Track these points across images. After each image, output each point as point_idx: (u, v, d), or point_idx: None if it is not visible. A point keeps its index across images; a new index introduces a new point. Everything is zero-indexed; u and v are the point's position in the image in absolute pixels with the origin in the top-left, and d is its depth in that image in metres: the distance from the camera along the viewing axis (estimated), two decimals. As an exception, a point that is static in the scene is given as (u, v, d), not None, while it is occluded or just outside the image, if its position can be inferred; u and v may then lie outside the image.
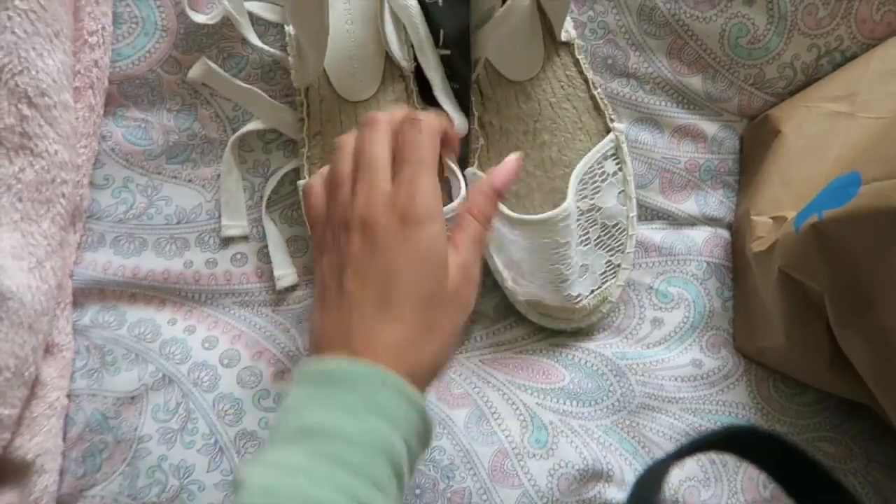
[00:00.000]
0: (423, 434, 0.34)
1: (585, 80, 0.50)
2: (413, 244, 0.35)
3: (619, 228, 0.51)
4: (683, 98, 0.54)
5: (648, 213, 0.55)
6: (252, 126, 0.51)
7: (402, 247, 0.35)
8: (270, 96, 0.52)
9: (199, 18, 0.49)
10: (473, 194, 0.40)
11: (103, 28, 0.50)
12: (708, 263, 0.54)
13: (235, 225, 0.52)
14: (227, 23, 0.50)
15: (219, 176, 0.53)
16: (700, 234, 0.55)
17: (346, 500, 0.30)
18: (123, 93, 0.52)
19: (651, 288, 0.54)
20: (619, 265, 0.52)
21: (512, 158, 0.41)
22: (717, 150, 0.55)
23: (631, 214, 0.51)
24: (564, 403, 0.51)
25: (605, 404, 0.51)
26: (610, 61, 0.53)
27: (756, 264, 0.49)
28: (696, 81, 0.53)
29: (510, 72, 0.50)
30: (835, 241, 0.41)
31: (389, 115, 0.38)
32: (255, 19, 0.50)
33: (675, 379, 0.52)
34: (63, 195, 0.49)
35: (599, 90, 0.50)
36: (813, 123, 0.50)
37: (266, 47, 0.50)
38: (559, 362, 0.52)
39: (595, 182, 0.50)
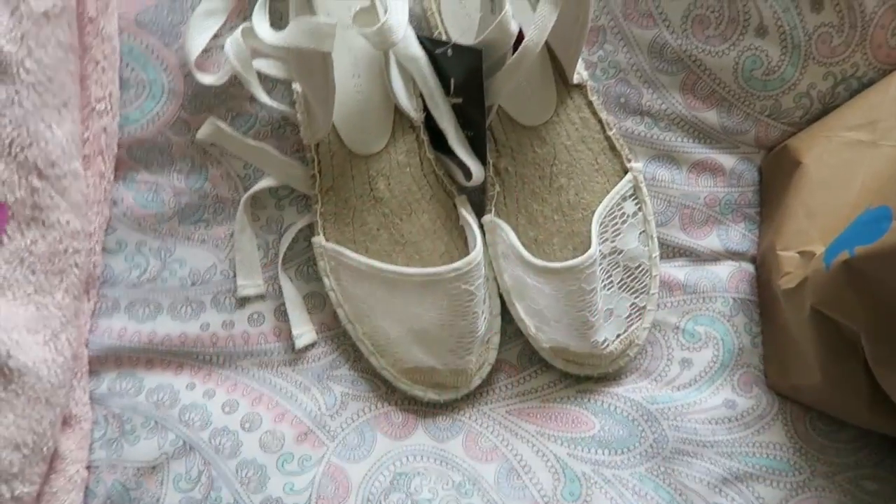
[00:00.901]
0: None
1: (600, 122, 0.49)
2: None
3: (642, 270, 0.50)
4: (699, 133, 0.53)
5: (670, 251, 0.53)
6: (264, 184, 0.51)
7: None
8: (281, 152, 0.51)
9: (206, 80, 0.49)
10: None
11: (111, 94, 0.50)
12: (734, 299, 0.53)
13: (251, 284, 0.51)
14: (234, 82, 0.50)
15: (232, 235, 0.52)
16: (724, 270, 0.53)
17: None
18: (133, 157, 0.51)
19: (678, 328, 0.52)
20: (644, 307, 0.50)
21: None
22: (737, 182, 0.54)
23: (653, 255, 0.50)
24: (596, 453, 0.49)
25: (638, 451, 0.49)
26: (623, 100, 0.52)
27: (786, 301, 0.48)
28: (711, 115, 0.52)
29: (523, 117, 0.49)
30: (869, 278, 0.40)
31: None
32: (261, 77, 0.50)
33: (709, 421, 0.50)
34: (76, 264, 0.48)
35: (614, 130, 0.49)
36: (834, 153, 0.49)
37: (275, 104, 0.49)
38: (588, 409, 0.51)
39: (616, 224, 0.49)
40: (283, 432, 0.50)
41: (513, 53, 0.44)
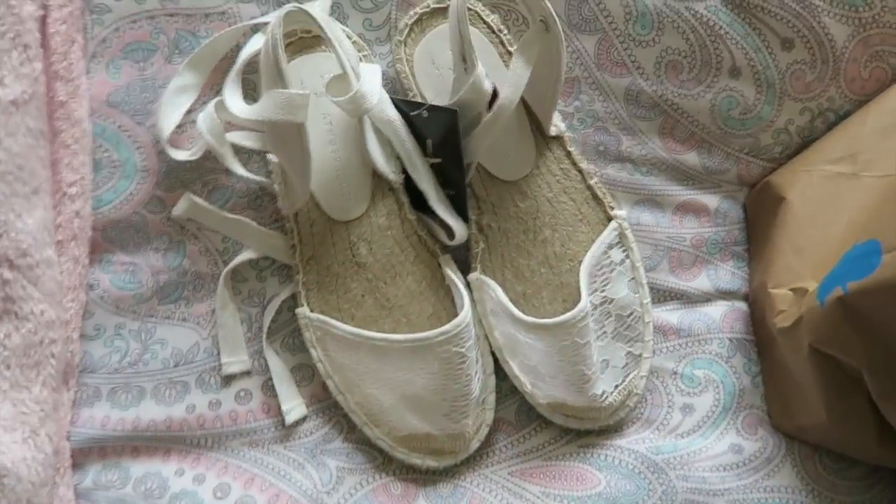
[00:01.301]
0: None
1: (580, 171, 0.49)
2: None
3: (635, 317, 0.49)
4: (681, 175, 0.53)
5: (661, 295, 0.53)
6: (244, 257, 0.49)
7: None
8: (259, 223, 0.50)
9: (181, 156, 0.48)
10: None
11: (82, 178, 0.48)
12: (730, 339, 0.52)
13: (236, 361, 0.50)
14: (209, 156, 0.49)
15: (213, 311, 0.50)
16: (717, 310, 0.53)
17: None
18: (108, 238, 0.50)
19: (676, 373, 0.51)
20: (639, 355, 0.49)
21: None
22: (722, 221, 0.53)
23: (644, 301, 0.50)
24: (604, 510, 0.48)
25: (648, 505, 0.48)
26: (602, 148, 0.52)
27: (783, 340, 0.47)
28: (691, 157, 0.52)
29: (503, 172, 0.48)
30: (864, 313, 0.40)
31: None
32: (236, 148, 0.49)
33: (717, 469, 0.49)
34: (53, 355, 0.46)
35: (596, 179, 0.49)
36: (817, 188, 0.49)
37: (252, 175, 0.48)
38: (592, 465, 0.49)
39: (604, 273, 0.48)
40: (279, 513, 0.48)
41: (488, 110, 0.44)
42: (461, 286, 0.47)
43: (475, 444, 0.49)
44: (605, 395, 0.48)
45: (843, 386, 0.44)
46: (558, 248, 0.48)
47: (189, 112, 0.49)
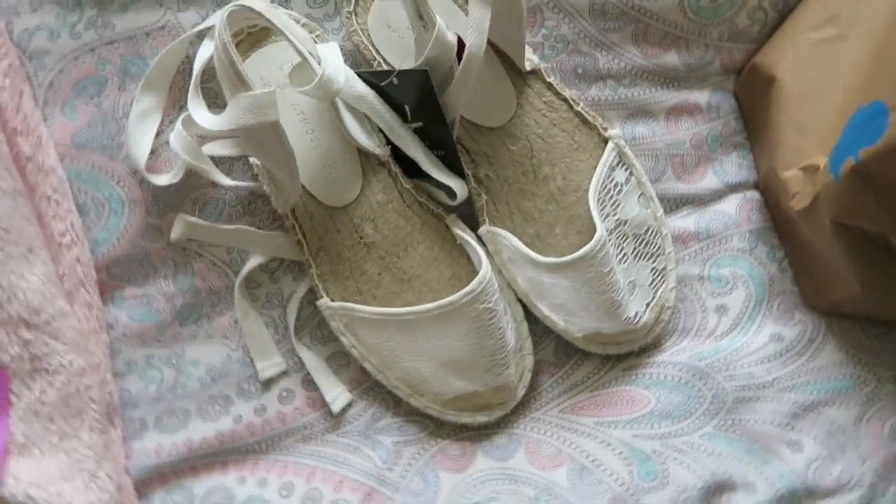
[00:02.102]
0: None
1: (565, 100, 0.48)
2: None
3: (652, 232, 0.49)
4: (665, 78, 0.51)
5: (673, 203, 0.52)
6: (252, 263, 0.49)
7: None
8: (258, 227, 0.49)
9: (162, 181, 0.47)
10: None
11: (72, 224, 0.48)
12: (749, 232, 0.51)
13: (270, 365, 0.50)
14: (192, 173, 0.48)
15: (236, 322, 0.50)
16: (731, 205, 0.52)
17: None
18: (114, 276, 0.50)
19: (703, 277, 0.51)
20: (664, 268, 0.49)
21: None
22: (716, 115, 0.52)
23: (658, 214, 0.49)
24: (660, 426, 0.48)
25: (701, 412, 0.48)
26: (580, 70, 0.50)
27: (803, 221, 0.47)
28: (671, 58, 0.51)
29: (488, 120, 0.47)
30: (881, 178, 0.39)
31: None
32: (217, 160, 0.48)
33: (762, 361, 0.49)
34: (92, 399, 0.47)
35: (582, 105, 0.48)
36: (805, 59, 0.48)
37: (239, 183, 0.48)
38: (640, 385, 0.49)
39: (612, 196, 0.47)
40: (347, 499, 0.49)
41: (458, 63, 0.42)
42: (474, 242, 0.47)
43: (521, 391, 0.49)
44: (638, 317, 0.47)
45: (871, 254, 0.43)
46: (560, 181, 0.47)
47: (158, 135, 0.48)
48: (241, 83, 0.38)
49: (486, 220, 0.48)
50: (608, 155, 0.47)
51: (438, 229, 0.48)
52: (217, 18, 0.40)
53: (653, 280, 0.49)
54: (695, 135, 0.52)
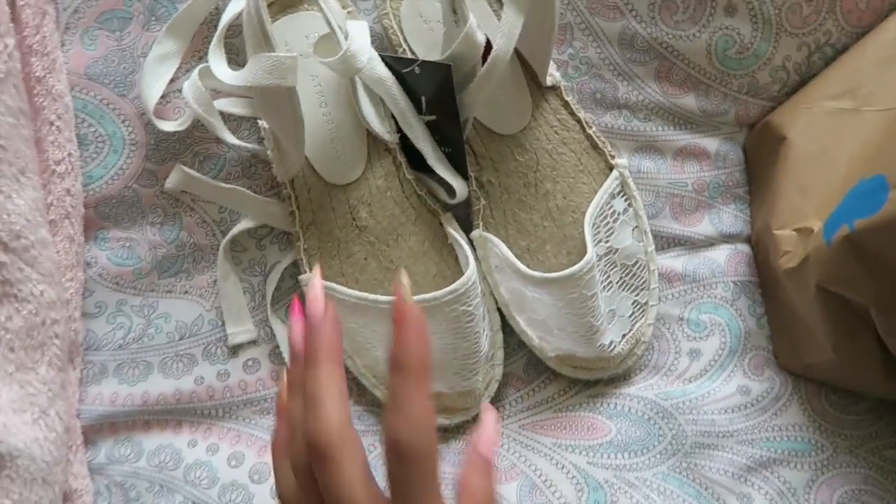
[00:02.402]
0: None
1: (578, 121, 0.48)
2: None
3: (640, 266, 0.49)
4: (679, 119, 0.52)
5: (665, 242, 0.52)
6: (242, 226, 0.49)
7: None
8: (254, 191, 0.49)
9: (168, 127, 0.47)
10: (466, 473, 0.32)
11: (69, 154, 0.47)
12: (735, 283, 0.52)
13: (242, 331, 0.50)
14: (198, 125, 0.48)
15: (215, 282, 0.50)
16: (721, 254, 0.53)
17: None
18: (101, 215, 0.49)
19: (682, 319, 0.51)
20: (646, 303, 0.49)
21: (488, 415, 0.34)
22: (722, 164, 0.53)
23: (649, 249, 0.49)
24: (616, 457, 0.48)
25: (658, 450, 0.48)
26: (599, 95, 0.51)
27: (789, 280, 0.47)
28: (689, 100, 0.51)
29: (501, 126, 0.47)
30: (872, 251, 0.39)
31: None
32: (226, 116, 0.48)
33: (725, 411, 0.49)
34: (56, 335, 0.46)
35: (594, 129, 0.48)
36: (818, 125, 0.48)
37: (243, 143, 0.47)
38: (602, 414, 0.50)
39: (608, 223, 0.48)
40: (294, 478, 0.48)
41: (482, 64, 0.42)
42: (464, 244, 0.47)
43: (486, 400, 0.49)
44: (612, 345, 0.48)
45: (850, 323, 0.44)
46: (560, 200, 0.48)
47: (172, 81, 0.48)
48: (266, 42, 0.38)
49: (481, 224, 0.48)
50: (611, 182, 0.48)
51: (432, 225, 0.48)
52: None
53: (633, 312, 0.49)
54: (698, 179, 0.52)
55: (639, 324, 0.49)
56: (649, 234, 0.49)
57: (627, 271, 0.49)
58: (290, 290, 0.50)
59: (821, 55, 0.51)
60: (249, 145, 0.48)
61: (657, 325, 0.51)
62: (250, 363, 0.50)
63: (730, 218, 0.53)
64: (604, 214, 0.48)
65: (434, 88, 0.44)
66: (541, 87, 0.47)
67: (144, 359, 0.50)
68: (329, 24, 0.41)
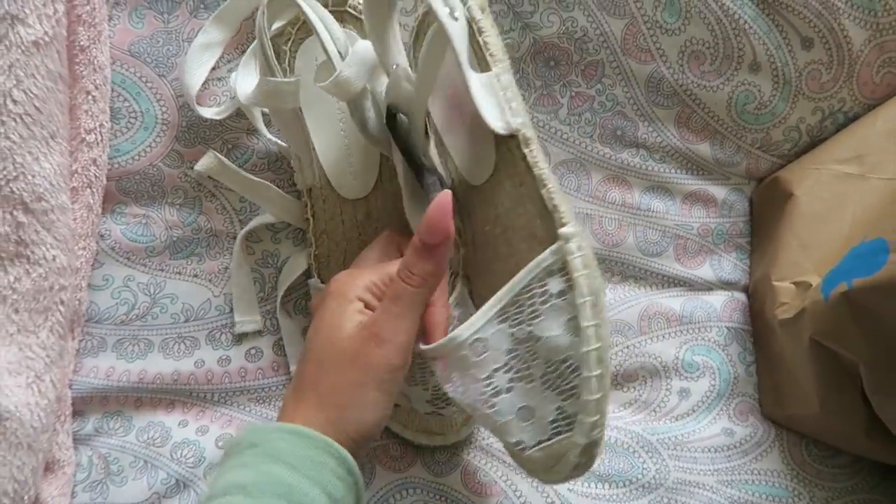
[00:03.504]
0: (345, 474, 0.35)
1: (534, 178, 0.38)
2: (328, 312, 0.38)
3: (570, 367, 0.35)
4: (693, 164, 0.54)
5: (665, 281, 0.54)
6: (262, 220, 0.49)
7: (322, 317, 0.39)
8: (278, 185, 0.50)
9: (208, 114, 0.48)
10: (405, 255, 0.38)
11: (101, 125, 0.48)
12: (728, 329, 0.54)
13: (249, 320, 0.50)
14: (231, 115, 0.49)
15: (226, 269, 0.50)
16: (718, 299, 0.54)
17: None
18: (122, 189, 0.50)
19: (676, 358, 0.53)
20: (574, 415, 0.35)
21: (441, 197, 0.36)
22: (729, 213, 0.55)
23: (588, 349, 0.34)
24: (597, 487, 0.49)
25: (640, 483, 0.49)
26: (619, 132, 0.52)
27: (782, 331, 0.49)
28: (704, 148, 0.53)
29: (470, 175, 0.43)
30: (868, 309, 0.41)
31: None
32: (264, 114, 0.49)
33: (708, 450, 0.51)
34: (62, 302, 0.46)
35: (551, 185, 0.37)
36: (825, 186, 0.50)
37: (275, 139, 0.48)
38: (590, 441, 0.50)
39: (533, 304, 0.36)
40: (281, 471, 0.49)
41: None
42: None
43: (466, 432, 0.49)
44: (521, 446, 0.37)
45: (838, 379, 0.45)
46: (513, 266, 0.37)
47: (213, 69, 0.49)
48: (268, 67, 0.40)
49: (461, 272, 0.46)
50: (546, 256, 0.36)
51: None
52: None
53: (555, 420, 0.36)
54: (704, 224, 0.54)
55: (563, 437, 0.36)
56: (591, 331, 0.34)
57: (553, 368, 0.36)
58: (300, 286, 0.51)
59: (833, 120, 0.53)
60: (282, 142, 0.48)
61: (652, 360, 0.52)
62: (253, 352, 0.50)
63: (730, 265, 0.55)
64: (532, 292, 0.36)
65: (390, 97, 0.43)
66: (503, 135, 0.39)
67: (146, 337, 0.50)
68: (324, 48, 0.40)
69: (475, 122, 0.41)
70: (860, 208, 0.48)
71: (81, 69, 0.46)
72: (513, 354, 0.37)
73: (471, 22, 0.40)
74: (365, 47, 0.41)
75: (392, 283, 0.38)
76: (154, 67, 0.48)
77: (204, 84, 0.48)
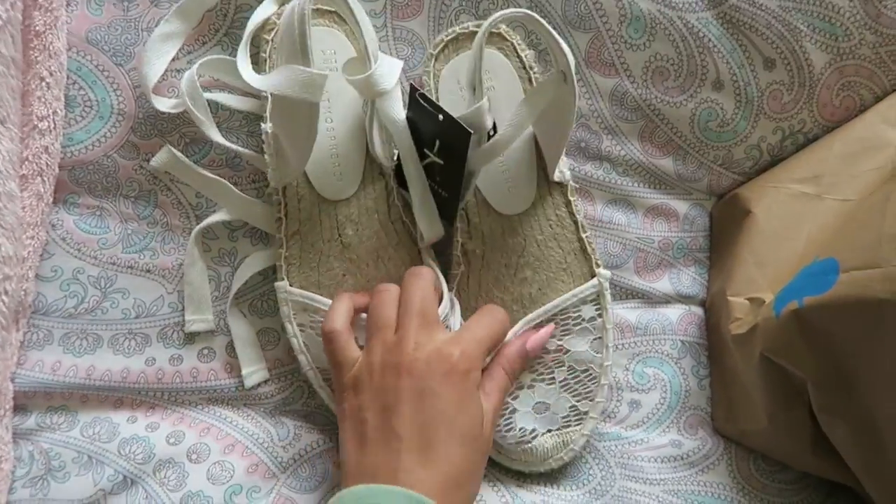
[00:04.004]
0: None
1: (575, 223, 0.49)
2: (456, 391, 0.39)
3: (590, 376, 0.49)
4: (655, 179, 0.54)
5: (623, 293, 0.54)
6: (218, 217, 0.48)
7: (447, 393, 0.39)
8: (236, 181, 0.49)
9: (163, 105, 0.47)
10: (507, 351, 0.45)
11: (54, 112, 0.46)
12: (683, 342, 0.54)
13: (200, 319, 0.49)
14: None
15: (181, 265, 0.49)
16: (674, 313, 0.55)
17: None
18: (75, 179, 0.48)
19: (627, 369, 0.53)
20: (585, 413, 0.49)
21: (548, 329, 0.47)
22: (689, 228, 0.55)
23: (605, 363, 0.49)
24: (546, 486, 0.49)
25: (587, 489, 0.50)
26: (583, 144, 0.53)
27: (735, 346, 0.49)
28: (667, 163, 0.54)
29: (500, 205, 0.49)
30: (816, 327, 0.42)
31: (431, 271, 0.45)
32: (220, 107, 0.48)
33: (655, 460, 0.51)
34: (6, 292, 0.45)
35: (589, 233, 0.49)
36: (782, 204, 0.51)
37: (231, 145, 0.47)
38: (542, 450, 0.51)
39: (567, 324, 0.48)
40: (233, 463, 0.48)
41: (487, 140, 0.43)
42: (440, 276, 0.47)
43: None
44: (534, 434, 0.48)
45: (787, 396, 0.46)
46: (535, 290, 0.48)
47: (174, 59, 0.48)
48: (303, 56, 0.38)
49: (455, 289, 0.49)
50: (587, 288, 0.48)
51: (411, 253, 0.48)
52: None
53: (568, 415, 0.49)
54: (664, 238, 0.55)
55: (571, 428, 0.49)
56: (610, 350, 0.49)
57: (574, 375, 0.48)
58: (257, 285, 0.50)
59: (793, 141, 0.54)
60: (236, 147, 0.48)
61: (607, 374, 0.53)
62: (206, 352, 0.49)
63: (688, 279, 0.55)
64: (567, 315, 0.48)
65: (451, 141, 0.44)
66: (549, 180, 0.49)
67: (95, 332, 0.49)
68: (364, 44, 0.42)
69: (526, 162, 0.49)
70: (815, 227, 0.49)
71: (36, 54, 0.45)
72: (539, 361, 0.48)
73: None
74: (394, 61, 0.42)
75: (499, 373, 0.44)
76: (112, 56, 0.47)
77: (163, 75, 0.47)
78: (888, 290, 0.37)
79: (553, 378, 0.48)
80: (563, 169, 0.49)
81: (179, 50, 0.48)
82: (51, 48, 0.45)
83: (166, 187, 0.49)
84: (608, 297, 0.49)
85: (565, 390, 0.48)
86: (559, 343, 0.48)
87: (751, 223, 0.52)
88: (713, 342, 0.54)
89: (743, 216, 0.52)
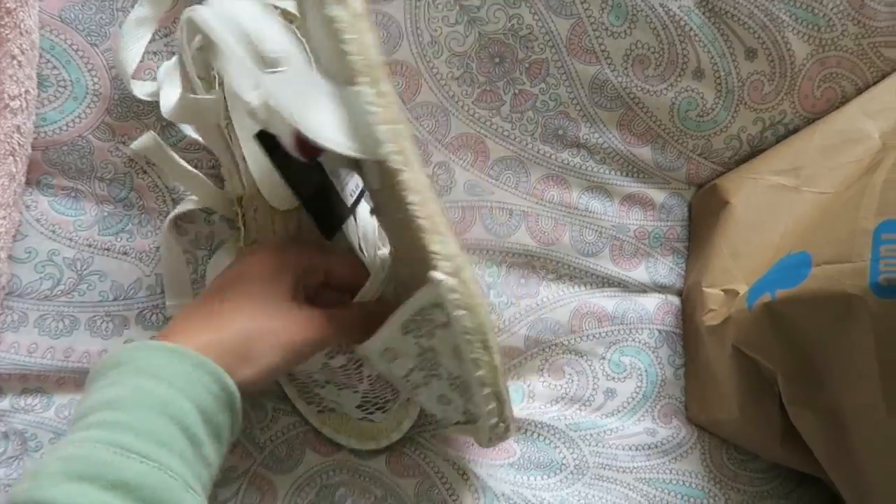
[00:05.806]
0: (223, 395, 0.34)
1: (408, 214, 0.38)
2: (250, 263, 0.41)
3: (464, 381, 0.40)
4: (633, 167, 0.54)
5: (600, 281, 0.54)
6: (191, 206, 0.48)
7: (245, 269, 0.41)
8: (213, 166, 0.49)
9: (140, 93, 0.46)
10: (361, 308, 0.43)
11: (27, 91, 0.46)
12: (660, 332, 0.54)
13: (181, 304, 0.49)
14: (166, 90, 0.47)
15: (158, 249, 0.49)
16: (651, 302, 0.55)
17: (113, 451, 0.30)
18: (48, 160, 0.48)
19: (604, 358, 0.53)
20: (476, 414, 0.42)
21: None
22: (666, 217, 0.55)
23: (476, 373, 0.38)
24: (516, 476, 0.50)
25: (559, 478, 0.50)
26: (561, 132, 0.52)
27: (709, 337, 0.50)
28: (645, 151, 0.54)
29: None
30: (787, 320, 0.42)
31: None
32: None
33: (629, 448, 0.51)
34: (-21, 274, 0.45)
35: (424, 222, 0.36)
36: (760, 196, 0.51)
37: (192, 169, 0.47)
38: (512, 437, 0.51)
39: (429, 325, 0.38)
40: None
41: None
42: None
43: (396, 436, 0.49)
44: (444, 422, 0.45)
45: (757, 387, 0.46)
46: (417, 284, 0.38)
47: (150, 41, 0.47)
48: (189, 84, 0.39)
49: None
50: (423, 293, 0.36)
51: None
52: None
53: (466, 411, 0.42)
54: (641, 227, 0.55)
55: (472, 424, 0.43)
56: (473, 365, 0.38)
57: (452, 379, 0.41)
58: (231, 268, 0.50)
59: (773, 132, 0.54)
60: (194, 171, 0.47)
61: (579, 360, 0.53)
62: (180, 334, 0.49)
63: (665, 269, 0.55)
64: (424, 316, 0.38)
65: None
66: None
67: (71, 314, 0.49)
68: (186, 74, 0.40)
69: None
70: (791, 220, 0.48)
71: (7, 32, 0.45)
72: (422, 358, 0.40)
73: None
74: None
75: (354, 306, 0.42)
76: (86, 35, 0.47)
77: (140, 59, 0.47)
78: (857, 286, 0.37)
79: (440, 374, 0.41)
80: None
81: (156, 32, 0.47)
82: (22, 25, 0.45)
83: (142, 170, 0.49)
84: (455, 303, 0.35)
85: (454, 389, 0.41)
86: (430, 344, 0.39)
87: (728, 214, 0.52)
88: (688, 332, 0.54)
89: (721, 207, 0.52)
